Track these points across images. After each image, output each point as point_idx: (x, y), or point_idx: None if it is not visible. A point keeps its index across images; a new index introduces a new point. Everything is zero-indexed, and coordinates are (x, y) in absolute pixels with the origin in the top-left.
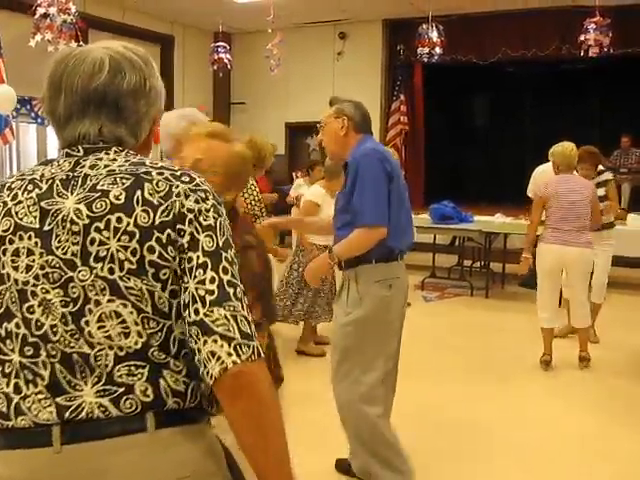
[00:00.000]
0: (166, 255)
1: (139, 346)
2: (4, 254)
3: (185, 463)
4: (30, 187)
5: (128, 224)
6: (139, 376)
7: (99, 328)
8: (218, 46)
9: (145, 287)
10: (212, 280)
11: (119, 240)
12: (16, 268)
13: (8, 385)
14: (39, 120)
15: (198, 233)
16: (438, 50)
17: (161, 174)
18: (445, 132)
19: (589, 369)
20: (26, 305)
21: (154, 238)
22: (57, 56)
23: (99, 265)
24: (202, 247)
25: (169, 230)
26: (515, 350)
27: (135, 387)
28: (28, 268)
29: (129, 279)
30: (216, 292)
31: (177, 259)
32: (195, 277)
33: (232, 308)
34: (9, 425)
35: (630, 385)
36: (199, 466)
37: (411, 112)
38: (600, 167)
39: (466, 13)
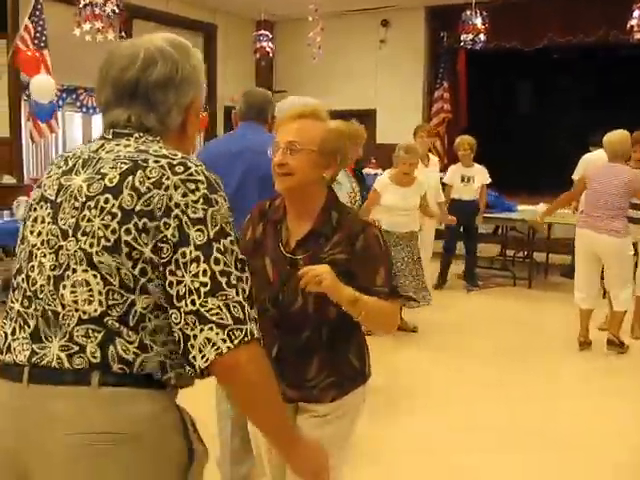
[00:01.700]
0: (139, 240)
1: (98, 313)
2: (29, 219)
3: (118, 421)
4: (62, 163)
5: (113, 205)
6: (92, 339)
7: (71, 292)
8: (260, 34)
9: (115, 264)
10: (205, 273)
11: (103, 219)
12: (32, 232)
13: (9, 327)
14: (84, 109)
15: (188, 227)
16: (482, 37)
17: (157, 162)
18: (488, 119)
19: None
20: (30, 264)
21: (132, 222)
22: (108, 49)
23: (84, 238)
24: (193, 241)
25: (145, 219)
26: (557, 340)
27: (87, 348)
28: (39, 234)
29: (102, 254)
30: (209, 284)
31: (150, 246)
32: (190, 271)
33: (224, 297)
34: (1, 359)
35: None
36: (133, 427)
37: (454, 100)
38: None
39: None
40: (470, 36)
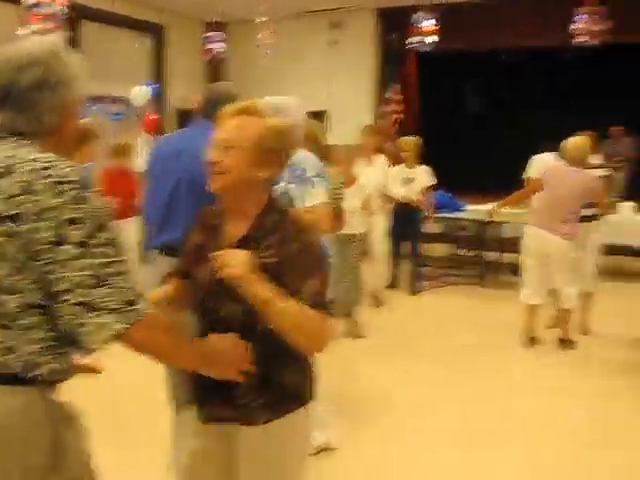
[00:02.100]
0: (13, 243)
1: None
2: None
3: None
4: None
5: None
6: None
7: None
8: (210, 36)
9: None
10: (88, 266)
11: None
12: None
13: None
14: None
15: (64, 228)
16: (432, 39)
17: (27, 166)
18: (439, 120)
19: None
20: None
21: (3, 227)
22: None
23: None
24: (71, 240)
25: (18, 222)
26: (507, 337)
27: None
28: None
29: None
30: (93, 276)
31: (23, 249)
32: (73, 268)
33: (110, 285)
34: None
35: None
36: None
37: (405, 101)
38: (596, 162)
39: (459, 2)
40: (420, 38)
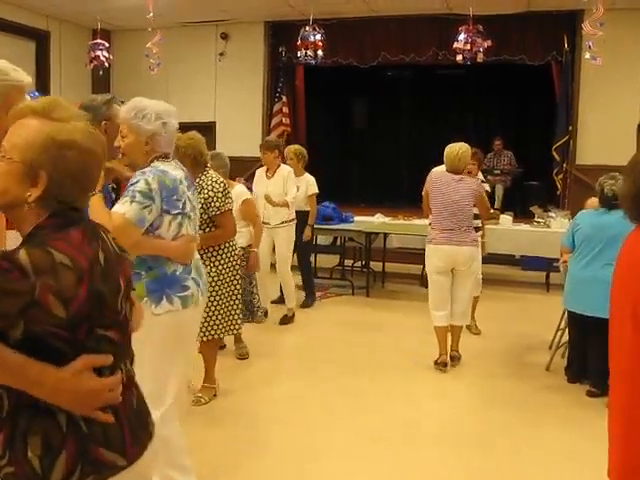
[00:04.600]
0: None
1: None
2: None
3: None
4: None
5: None
6: None
7: None
8: (96, 43)
9: None
10: None
11: None
12: None
13: None
14: None
15: None
16: (319, 53)
17: None
18: (326, 134)
19: (474, 364)
20: None
21: None
22: None
23: None
24: None
25: None
26: (397, 346)
27: None
28: None
29: None
30: None
31: None
32: None
33: None
34: None
35: (510, 379)
36: None
37: (293, 114)
38: (480, 176)
39: (346, 17)
40: (308, 52)
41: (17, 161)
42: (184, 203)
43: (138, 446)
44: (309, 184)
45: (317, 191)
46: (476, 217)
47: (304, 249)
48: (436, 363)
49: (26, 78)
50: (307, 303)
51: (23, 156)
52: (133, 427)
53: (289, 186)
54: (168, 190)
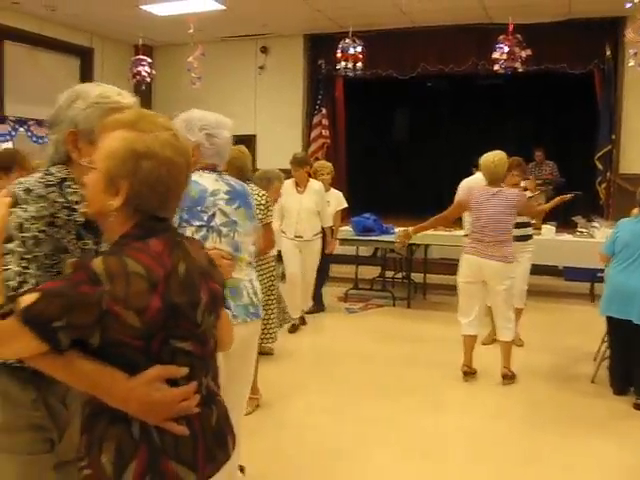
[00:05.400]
0: None
1: None
2: None
3: None
4: None
5: None
6: None
7: None
8: (138, 59)
9: None
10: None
11: None
12: None
13: None
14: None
15: None
16: (359, 64)
17: None
18: (366, 144)
19: (517, 376)
20: None
21: None
22: None
23: None
24: None
25: None
26: (438, 360)
27: None
28: None
29: None
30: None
31: None
32: None
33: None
34: None
35: (555, 392)
36: None
37: (333, 126)
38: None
39: (384, 28)
40: (347, 64)
41: (101, 171)
42: (211, 216)
43: (212, 464)
44: (339, 199)
45: (346, 205)
46: (527, 225)
47: (326, 261)
48: (462, 371)
49: (128, 100)
50: (318, 308)
51: (106, 166)
52: (209, 444)
53: (325, 201)
54: (192, 201)
